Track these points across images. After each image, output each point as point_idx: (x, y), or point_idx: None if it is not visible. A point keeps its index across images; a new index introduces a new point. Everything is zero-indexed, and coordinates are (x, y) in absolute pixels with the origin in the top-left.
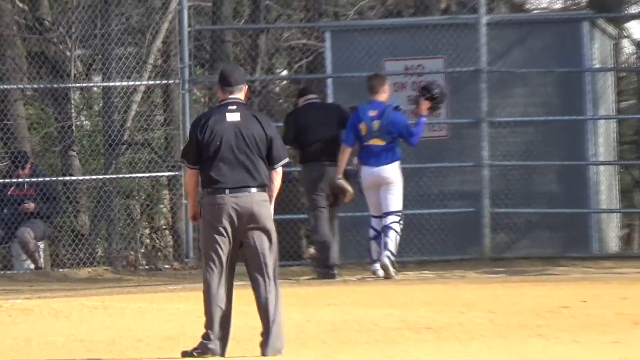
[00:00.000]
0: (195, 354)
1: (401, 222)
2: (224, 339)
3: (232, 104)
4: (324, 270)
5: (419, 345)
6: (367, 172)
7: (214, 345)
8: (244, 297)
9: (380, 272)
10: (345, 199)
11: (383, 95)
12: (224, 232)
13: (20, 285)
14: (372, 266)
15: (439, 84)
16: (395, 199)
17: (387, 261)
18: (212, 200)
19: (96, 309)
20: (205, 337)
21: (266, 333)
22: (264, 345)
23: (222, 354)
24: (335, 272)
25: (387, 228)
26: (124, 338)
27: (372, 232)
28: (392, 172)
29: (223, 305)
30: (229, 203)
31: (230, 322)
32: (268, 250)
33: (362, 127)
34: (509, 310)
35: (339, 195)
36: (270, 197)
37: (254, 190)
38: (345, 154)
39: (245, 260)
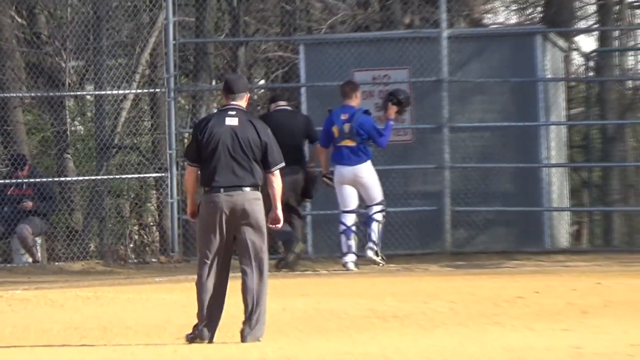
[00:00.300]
0: (188, 339)
1: (384, 212)
2: (213, 326)
3: (232, 109)
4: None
5: (385, 332)
6: (341, 171)
7: (205, 332)
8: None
9: (351, 265)
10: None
11: (355, 101)
12: (218, 227)
13: (19, 277)
14: (342, 259)
15: (404, 90)
16: (373, 193)
17: (370, 253)
18: (208, 197)
19: (89, 299)
20: (197, 324)
21: (248, 321)
22: (244, 332)
23: (211, 340)
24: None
25: (369, 219)
26: (115, 326)
27: (341, 227)
28: (365, 170)
29: (212, 295)
30: (223, 201)
31: (222, 311)
32: (258, 244)
33: (335, 129)
34: (468, 300)
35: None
36: (274, 199)
37: (247, 189)
38: (323, 154)
39: (237, 252)
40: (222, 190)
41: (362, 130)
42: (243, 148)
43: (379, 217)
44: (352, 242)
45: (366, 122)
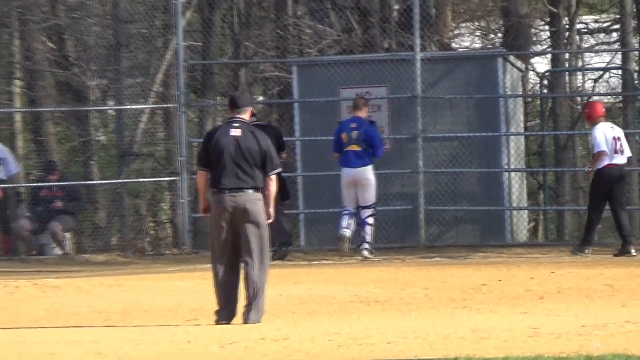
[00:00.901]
0: (216, 323)
1: (375, 213)
2: (231, 310)
3: (236, 121)
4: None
5: (368, 314)
6: (347, 172)
7: (224, 315)
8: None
9: (347, 233)
10: None
11: (363, 113)
12: (225, 224)
13: (50, 268)
14: (340, 231)
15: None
16: (369, 195)
17: (366, 253)
18: (216, 198)
19: (111, 286)
20: (218, 310)
21: (249, 305)
22: (246, 314)
23: (229, 322)
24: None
25: (363, 223)
26: (134, 309)
27: (345, 212)
28: (368, 172)
29: (227, 284)
30: (228, 201)
31: (237, 296)
32: (257, 238)
33: (344, 136)
34: (440, 287)
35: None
36: (269, 199)
37: (248, 191)
38: (335, 159)
39: (240, 244)
40: (227, 192)
41: (367, 138)
42: (245, 155)
43: (370, 220)
44: (352, 222)
45: (372, 132)
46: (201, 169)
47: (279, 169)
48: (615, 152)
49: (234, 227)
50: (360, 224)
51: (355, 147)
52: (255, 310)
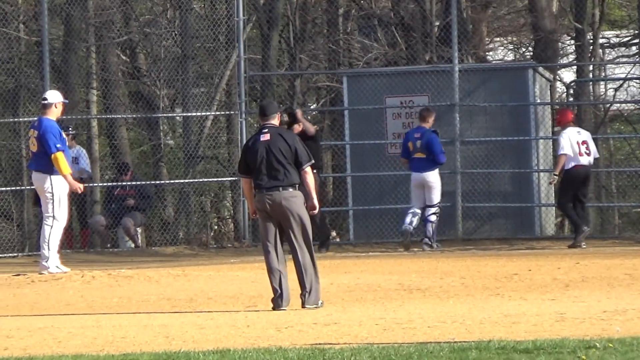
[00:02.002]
0: (273, 309)
1: (438, 211)
2: (285, 296)
3: (265, 128)
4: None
5: (410, 301)
6: (415, 177)
7: (279, 301)
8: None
9: (409, 229)
10: None
11: (428, 124)
12: (267, 219)
13: (123, 259)
14: (402, 227)
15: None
16: (433, 196)
17: (426, 247)
18: (257, 197)
19: (178, 276)
20: (273, 298)
21: (304, 289)
22: (303, 298)
23: (285, 307)
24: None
25: (426, 220)
26: (199, 297)
27: (410, 210)
28: (432, 176)
29: (278, 272)
30: (266, 199)
31: (287, 283)
32: (297, 230)
33: (410, 144)
34: (475, 276)
35: None
36: (309, 192)
37: (283, 189)
38: (405, 164)
39: (285, 237)
40: (264, 191)
41: (429, 146)
42: (276, 156)
43: (433, 218)
44: (415, 219)
45: (433, 141)
46: (242, 176)
47: (312, 161)
48: (581, 154)
49: (275, 221)
50: (424, 220)
51: (420, 155)
52: (311, 295)
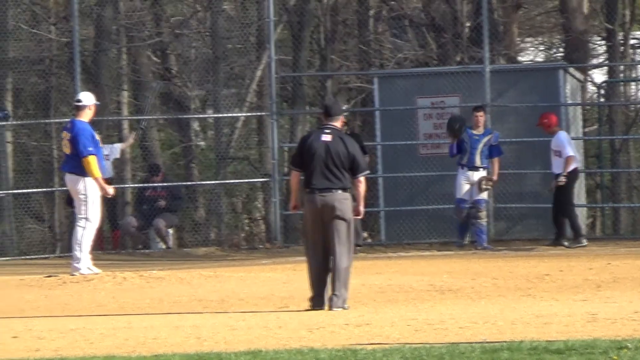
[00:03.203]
0: (311, 309)
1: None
2: (322, 297)
3: (328, 128)
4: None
5: (442, 302)
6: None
7: (317, 301)
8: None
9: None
10: None
11: (480, 128)
12: (316, 220)
13: (155, 260)
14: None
15: (460, 117)
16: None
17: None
18: (308, 197)
19: (210, 277)
20: (311, 297)
21: (334, 292)
22: (331, 301)
23: (322, 307)
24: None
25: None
26: (230, 298)
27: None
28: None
29: (319, 272)
30: (318, 200)
31: (326, 282)
32: (344, 233)
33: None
34: (507, 277)
35: None
36: (358, 198)
37: (336, 191)
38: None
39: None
40: (317, 191)
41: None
42: (334, 159)
43: (482, 215)
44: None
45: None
46: (294, 169)
47: (367, 172)
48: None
49: (324, 222)
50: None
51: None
52: (340, 298)
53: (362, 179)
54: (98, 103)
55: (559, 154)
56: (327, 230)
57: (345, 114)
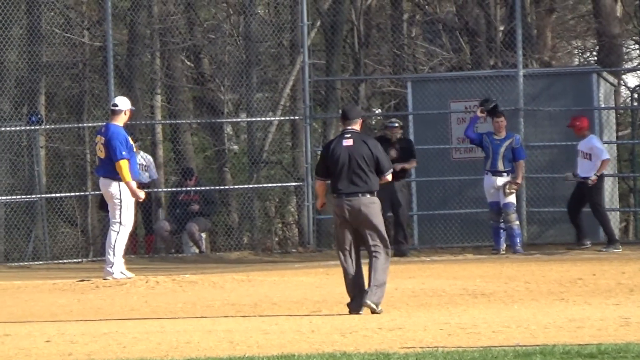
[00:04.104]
0: (350, 313)
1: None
2: (359, 299)
3: (348, 132)
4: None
5: (475, 306)
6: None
7: (354, 305)
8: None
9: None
10: None
11: (502, 133)
12: (345, 225)
13: (187, 265)
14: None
15: (493, 100)
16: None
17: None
18: (336, 202)
19: (243, 281)
20: (349, 303)
21: (371, 289)
22: (366, 296)
23: (359, 311)
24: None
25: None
26: (263, 302)
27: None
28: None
29: (353, 276)
30: (345, 204)
31: (363, 286)
32: (375, 235)
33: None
34: (540, 281)
35: None
36: (385, 180)
37: (363, 195)
38: None
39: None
40: (343, 196)
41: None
42: (359, 163)
43: (514, 218)
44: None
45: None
46: (319, 179)
47: (391, 169)
48: None
49: (353, 227)
50: (506, 227)
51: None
52: (374, 295)
53: (389, 177)
54: (133, 108)
55: (588, 156)
56: (358, 234)
57: (378, 117)
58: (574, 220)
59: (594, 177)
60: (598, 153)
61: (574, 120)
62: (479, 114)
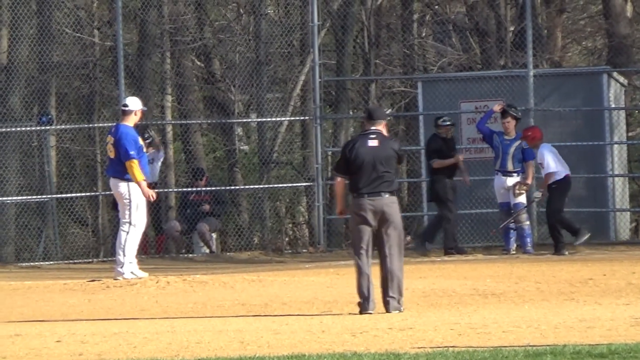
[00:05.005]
0: (360, 313)
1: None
2: (372, 301)
3: (372, 133)
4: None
5: (485, 306)
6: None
7: (366, 305)
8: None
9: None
10: None
11: (511, 133)
12: (364, 225)
13: (198, 265)
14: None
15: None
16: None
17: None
18: (357, 202)
19: (253, 281)
20: (360, 302)
21: (389, 295)
22: (389, 304)
23: (371, 311)
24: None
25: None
26: (274, 302)
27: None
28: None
29: (368, 278)
30: (367, 204)
31: (372, 286)
32: (394, 236)
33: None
34: (550, 281)
35: None
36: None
37: (385, 195)
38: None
39: (378, 242)
40: (366, 196)
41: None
42: (382, 163)
43: (523, 218)
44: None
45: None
46: (340, 176)
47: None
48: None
49: (372, 227)
50: (517, 229)
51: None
52: (396, 299)
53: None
54: (145, 108)
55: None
56: (377, 235)
57: (389, 118)
58: (561, 223)
59: (538, 195)
60: (545, 165)
61: (526, 132)
62: (496, 108)
